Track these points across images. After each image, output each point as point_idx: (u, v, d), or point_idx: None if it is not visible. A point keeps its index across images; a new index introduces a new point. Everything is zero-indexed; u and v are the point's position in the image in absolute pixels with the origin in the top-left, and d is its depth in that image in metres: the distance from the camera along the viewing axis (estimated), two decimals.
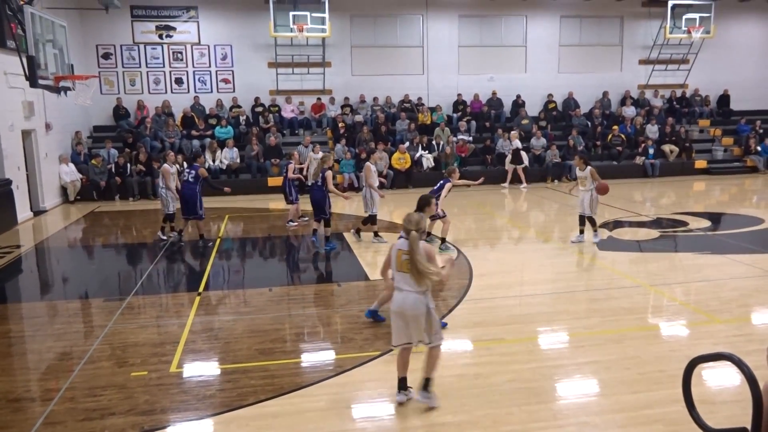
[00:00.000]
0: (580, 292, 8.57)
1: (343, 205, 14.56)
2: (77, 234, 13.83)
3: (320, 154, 17.26)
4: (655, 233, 12.27)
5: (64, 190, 17.40)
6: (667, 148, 21.53)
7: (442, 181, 10.92)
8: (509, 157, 19.64)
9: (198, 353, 6.55)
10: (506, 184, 19.42)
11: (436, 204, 10.70)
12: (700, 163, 21.51)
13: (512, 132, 20.35)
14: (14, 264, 10.92)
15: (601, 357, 6.24)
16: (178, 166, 13.04)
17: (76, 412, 5.28)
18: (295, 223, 13.47)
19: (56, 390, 5.71)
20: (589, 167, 10.96)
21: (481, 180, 12.71)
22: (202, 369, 6.19)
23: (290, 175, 13.34)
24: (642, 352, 6.33)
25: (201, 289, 8.96)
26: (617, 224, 13.11)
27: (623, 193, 17.40)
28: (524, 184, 19.30)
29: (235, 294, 9.02)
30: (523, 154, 19.80)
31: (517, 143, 19.89)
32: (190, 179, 11.63)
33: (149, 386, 5.73)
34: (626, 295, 8.29)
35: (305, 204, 12.84)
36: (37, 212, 15.64)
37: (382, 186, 12.76)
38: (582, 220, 11.24)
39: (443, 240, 10.90)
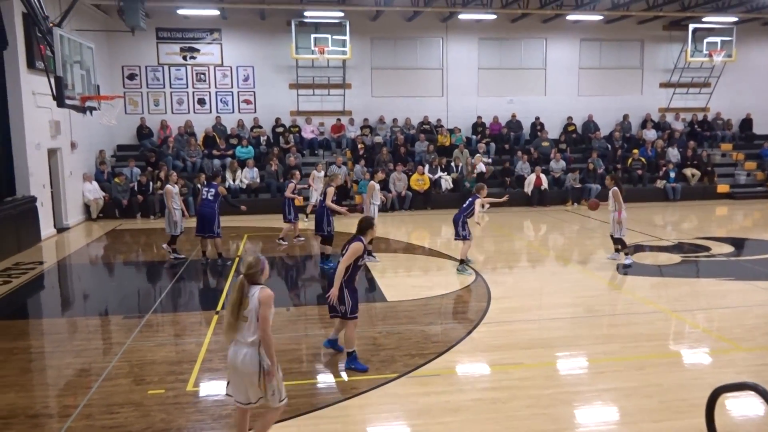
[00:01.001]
0: (599, 317, 8.46)
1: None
2: (99, 251, 14.00)
3: (323, 173, 17.54)
4: (676, 258, 12.10)
5: (87, 207, 17.66)
6: (688, 171, 21.32)
7: (471, 198, 11.00)
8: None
9: (215, 372, 6.55)
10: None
11: (465, 222, 10.91)
12: (723, 188, 21.24)
13: (477, 155, 20.12)
14: (36, 280, 11.06)
15: (622, 384, 6.13)
16: (180, 186, 13.27)
17: (94, 430, 5.31)
18: (286, 243, 13.55)
19: (74, 407, 5.75)
20: (614, 188, 11.21)
21: (505, 198, 12.84)
22: (219, 388, 6.18)
23: (287, 194, 13.39)
24: (664, 379, 6.21)
25: (219, 308, 8.99)
26: (638, 248, 12.95)
27: (644, 217, 17.23)
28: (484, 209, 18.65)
29: None
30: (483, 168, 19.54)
31: (481, 167, 19.63)
32: (210, 197, 11.71)
33: (166, 404, 5.74)
34: (647, 320, 8.16)
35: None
36: (61, 229, 15.87)
37: (383, 206, 13.02)
38: (614, 239, 11.50)
39: (461, 261, 10.90)
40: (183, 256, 12.35)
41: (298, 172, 14.59)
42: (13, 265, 11.86)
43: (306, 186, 16.30)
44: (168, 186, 12.17)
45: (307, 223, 16.25)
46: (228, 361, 4.63)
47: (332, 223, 11.35)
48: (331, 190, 11.27)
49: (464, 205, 11.06)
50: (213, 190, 11.70)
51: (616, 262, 11.36)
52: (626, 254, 11.34)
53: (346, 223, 14.71)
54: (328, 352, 7.03)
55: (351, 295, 6.50)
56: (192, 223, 12.53)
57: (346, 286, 6.47)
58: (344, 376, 6.45)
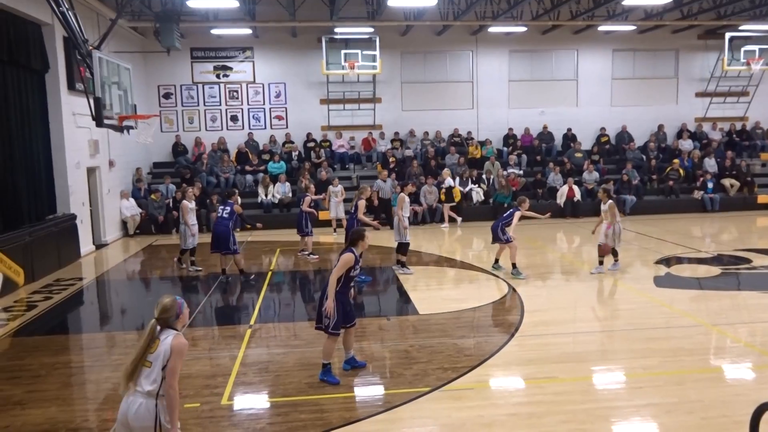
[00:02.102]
0: (636, 331, 8.28)
1: (380, 237, 14.59)
2: (136, 267, 14.28)
3: (339, 187, 17.55)
4: (716, 270, 11.80)
5: (124, 224, 18.05)
6: (727, 182, 20.83)
7: (511, 210, 11.36)
8: (441, 197, 18.90)
9: (249, 386, 6.61)
10: (445, 224, 18.61)
11: (504, 231, 11.10)
12: (763, 198, 20.66)
13: (444, 170, 19.76)
14: (76, 296, 11.33)
15: (661, 399, 5.98)
16: (214, 201, 13.53)
17: None
18: (316, 256, 13.72)
19: (113, 420, 5.82)
20: (610, 201, 11.36)
21: (548, 214, 12.89)
22: (253, 402, 6.24)
23: (304, 207, 13.57)
24: (705, 395, 6.04)
25: (252, 322, 9.08)
26: (676, 260, 12.68)
27: (681, 228, 16.87)
28: (445, 224, 18.52)
29: (285, 327, 9.10)
30: (458, 191, 19.23)
31: (450, 181, 19.27)
32: (224, 215, 11.78)
33: (201, 418, 5.80)
34: (686, 334, 7.97)
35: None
36: (99, 245, 16.24)
37: (414, 219, 13.11)
38: (614, 251, 11.60)
39: (514, 265, 11.25)
40: (200, 268, 12.70)
41: (313, 186, 14.78)
42: (54, 281, 12.17)
43: (321, 198, 16.43)
44: (184, 201, 12.50)
45: (336, 237, 16.40)
46: (119, 415, 4.03)
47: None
48: (362, 203, 11.33)
49: (504, 215, 11.44)
50: (228, 209, 11.77)
51: (609, 268, 11.61)
52: (601, 263, 11.58)
53: (378, 236, 14.77)
54: (353, 371, 7.00)
55: (337, 307, 6.44)
56: (206, 239, 12.76)
57: (336, 298, 6.45)
58: (376, 390, 6.44)
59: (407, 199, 12.00)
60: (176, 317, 4.13)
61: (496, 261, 11.82)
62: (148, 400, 3.94)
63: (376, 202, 18.42)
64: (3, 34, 12.03)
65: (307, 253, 13.79)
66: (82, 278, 12.67)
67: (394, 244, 12.24)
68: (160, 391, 3.97)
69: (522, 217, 11.45)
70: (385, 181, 18.86)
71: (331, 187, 17.68)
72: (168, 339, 4.02)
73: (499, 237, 11.33)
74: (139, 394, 3.97)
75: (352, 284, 6.74)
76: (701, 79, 23.33)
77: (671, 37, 22.67)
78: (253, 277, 12.01)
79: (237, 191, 13.69)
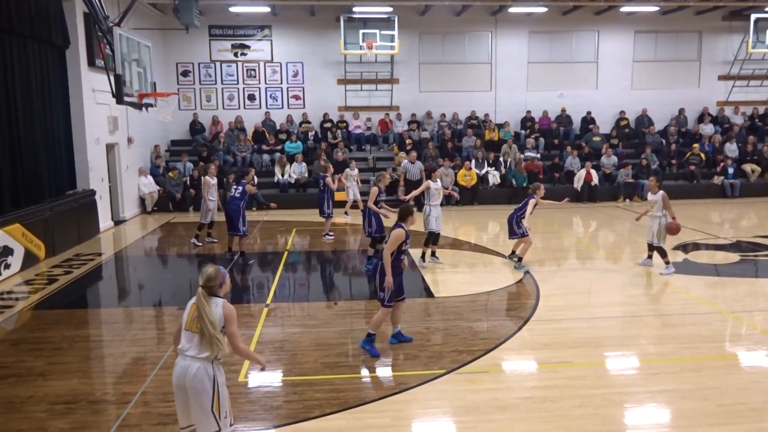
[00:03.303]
0: (652, 317, 8.26)
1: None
2: (153, 243, 14.43)
3: (356, 171, 17.48)
4: (734, 257, 11.69)
5: (142, 201, 18.21)
6: (748, 167, 20.53)
7: (526, 198, 10.86)
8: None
9: (266, 364, 6.68)
10: (424, 263, 12.52)
11: (519, 224, 10.59)
12: None
13: (400, 154, 19.31)
14: (95, 271, 11.49)
15: (677, 386, 5.98)
16: (230, 180, 13.67)
17: (151, 417, 5.49)
18: (333, 235, 13.78)
19: (132, 393, 5.96)
20: (661, 192, 10.27)
21: (566, 200, 12.59)
22: (269, 380, 6.32)
23: (332, 186, 13.53)
24: (721, 382, 6.03)
25: (269, 301, 9.16)
26: (694, 246, 12.57)
27: (700, 214, 16.69)
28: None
29: (301, 306, 9.18)
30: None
31: (407, 165, 18.56)
32: (236, 194, 11.66)
33: None
34: (703, 321, 7.93)
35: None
36: (118, 222, 16.42)
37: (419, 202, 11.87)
38: (651, 247, 10.61)
39: (519, 259, 10.81)
40: (215, 240, 13.18)
41: (330, 165, 14.47)
42: (74, 256, 12.34)
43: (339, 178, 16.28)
44: (206, 177, 12.66)
45: (348, 219, 16.46)
46: (174, 378, 4.25)
47: (375, 224, 10.66)
48: (374, 191, 10.56)
49: (519, 205, 10.94)
50: (240, 188, 11.65)
51: (662, 273, 10.26)
52: (667, 264, 10.36)
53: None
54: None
55: (390, 285, 6.73)
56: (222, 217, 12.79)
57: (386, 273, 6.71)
58: (391, 371, 6.49)
59: (434, 185, 11.02)
60: (219, 286, 4.35)
61: (513, 253, 11.11)
62: (206, 364, 4.16)
63: (402, 183, 18.35)
64: (25, 9, 12.08)
65: (324, 233, 13.79)
66: (101, 254, 12.83)
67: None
68: (219, 357, 4.21)
69: (537, 204, 10.78)
70: (413, 163, 18.69)
71: (348, 170, 17.69)
72: (218, 308, 4.24)
73: (514, 231, 10.77)
74: (195, 359, 4.16)
75: (402, 257, 6.88)
76: (724, 62, 22.90)
77: (695, 19, 22.23)
78: (252, 261, 11.89)
79: (254, 170, 13.64)
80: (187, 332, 4.24)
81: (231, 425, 4.34)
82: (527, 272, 10.45)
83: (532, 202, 10.66)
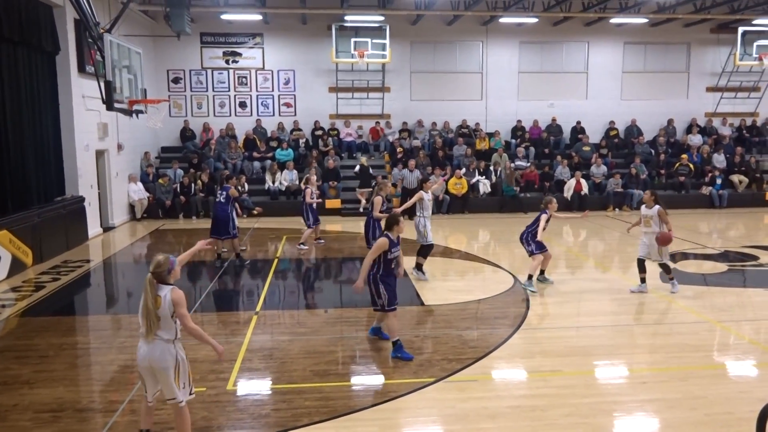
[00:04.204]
0: (641, 326, 8.30)
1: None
2: (142, 250, 14.35)
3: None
4: (722, 267, 11.77)
5: (131, 207, 18.12)
6: (735, 178, 20.73)
7: (538, 214, 10.04)
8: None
9: (254, 372, 6.66)
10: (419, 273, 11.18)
11: (529, 241, 9.89)
12: None
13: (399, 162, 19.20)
14: (83, 278, 11.40)
15: (665, 395, 6.00)
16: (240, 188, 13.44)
17: (138, 425, 5.43)
18: (306, 247, 13.42)
19: (119, 402, 5.91)
20: (657, 207, 9.60)
21: (585, 214, 11.64)
22: (258, 388, 6.29)
23: (308, 200, 13.25)
24: (709, 392, 6.06)
25: (258, 308, 9.12)
26: (683, 256, 12.65)
27: (688, 224, 16.81)
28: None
29: (290, 314, 9.15)
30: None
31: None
32: (222, 199, 11.96)
33: (207, 402, 5.85)
34: (691, 330, 7.97)
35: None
36: (107, 228, 16.32)
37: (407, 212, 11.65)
38: (642, 266, 9.77)
39: (530, 276, 9.89)
40: (243, 248, 12.98)
41: (314, 177, 14.45)
42: (62, 263, 12.25)
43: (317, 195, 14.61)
44: (232, 189, 12.25)
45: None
46: (138, 360, 4.78)
47: (379, 235, 10.44)
48: (378, 200, 10.42)
49: (530, 222, 10.14)
50: (225, 193, 11.96)
51: (673, 291, 9.71)
52: (671, 280, 9.83)
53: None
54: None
55: (386, 288, 6.88)
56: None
57: (381, 281, 6.88)
58: (380, 379, 6.48)
59: (427, 196, 10.71)
60: (168, 272, 4.77)
61: (542, 272, 10.38)
62: (168, 345, 4.68)
63: (393, 192, 18.26)
64: (15, 14, 12.05)
65: (306, 247, 13.41)
66: (89, 260, 12.74)
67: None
68: (177, 337, 4.72)
69: (550, 219, 9.94)
70: (412, 171, 18.71)
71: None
72: (167, 294, 4.67)
73: (524, 246, 10.06)
74: (158, 340, 4.66)
75: (393, 266, 6.96)
76: (712, 73, 23.16)
77: (683, 31, 22.49)
78: (248, 262, 12.12)
79: (239, 175, 13.55)
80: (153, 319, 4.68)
81: (191, 394, 4.90)
82: (534, 292, 9.73)
83: (544, 217, 9.87)
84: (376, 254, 6.81)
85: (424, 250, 10.79)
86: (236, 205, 12.27)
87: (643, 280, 9.80)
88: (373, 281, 6.91)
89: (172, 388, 4.73)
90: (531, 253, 9.97)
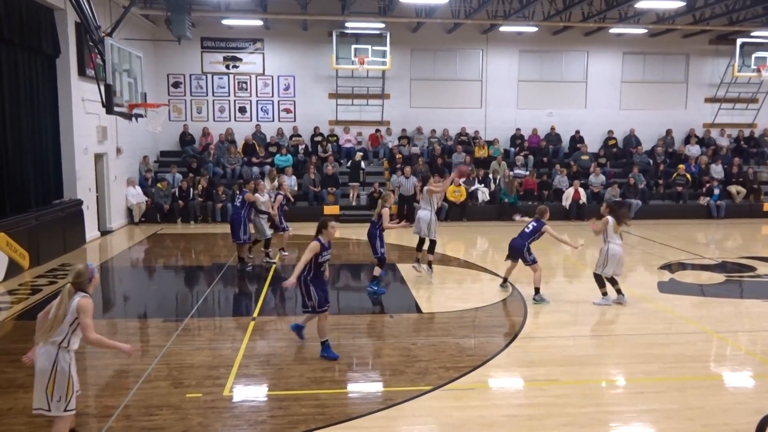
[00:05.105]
0: (639, 336, 8.28)
1: (398, 236, 14.64)
2: (140, 255, 14.32)
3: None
4: (720, 277, 11.78)
5: (129, 211, 18.09)
6: (733, 189, 20.77)
7: (536, 224, 9.84)
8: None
9: (251, 378, 6.64)
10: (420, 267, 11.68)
11: (530, 250, 9.81)
12: None
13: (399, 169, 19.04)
14: None
15: (662, 405, 5.99)
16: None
17: (133, 431, 5.42)
18: (287, 253, 13.15)
19: (114, 407, 5.88)
20: (605, 218, 9.62)
21: (581, 244, 11.33)
22: (255, 394, 6.27)
23: (275, 208, 12.44)
24: (706, 402, 6.05)
25: (255, 314, 9.10)
26: (680, 266, 12.65)
27: (686, 234, 16.83)
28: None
29: (288, 320, 9.11)
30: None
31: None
32: (237, 203, 12.05)
33: (203, 408, 5.83)
34: (688, 341, 7.96)
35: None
36: (104, 232, 16.28)
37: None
38: (600, 280, 9.67)
39: (537, 290, 9.72)
40: (273, 260, 12.68)
41: (286, 183, 14.29)
42: (59, 266, 12.21)
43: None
44: (256, 194, 12.05)
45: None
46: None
47: (384, 244, 10.40)
48: (386, 212, 10.22)
49: (527, 231, 9.88)
50: (241, 197, 11.97)
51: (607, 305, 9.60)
52: (604, 294, 9.66)
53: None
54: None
55: (316, 291, 7.11)
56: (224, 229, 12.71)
57: (312, 283, 7.10)
58: (378, 386, 6.46)
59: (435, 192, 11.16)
60: (89, 281, 4.81)
61: (505, 280, 10.48)
62: (51, 348, 4.57)
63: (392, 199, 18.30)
64: (15, 17, 12.06)
65: (286, 253, 13.18)
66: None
67: (414, 243, 11.64)
68: (63, 343, 4.60)
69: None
70: (408, 178, 18.78)
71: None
72: (75, 300, 4.65)
73: (525, 257, 9.86)
74: (46, 343, 4.58)
75: (323, 269, 7.23)
76: (711, 84, 23.24)
77: (682, 42, 22.59)
78: (249, 268, 12.07)
79: (260, 180, 13.24)
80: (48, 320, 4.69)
81: (66, 410, 4.62)
82: (548, 301, 9.68)
83: (548, 228, 9.75)
84: (309, 257, 7.01)
85: (432, 246, 11.22)
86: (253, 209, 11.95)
87: (605, 294, 9.66)
88: (303, 284, 7.10)
89: (42, 395, 4.54)
90: (532, 263, 9.83)
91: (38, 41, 12.91)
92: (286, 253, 13.19)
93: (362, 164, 20.43)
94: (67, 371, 4.59)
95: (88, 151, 15.21)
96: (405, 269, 11.87)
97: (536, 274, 9.82)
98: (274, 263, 12.52)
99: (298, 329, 7.77)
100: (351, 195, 19.69)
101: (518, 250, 9.94)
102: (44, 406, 4.57)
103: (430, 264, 11.34)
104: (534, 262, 9.87)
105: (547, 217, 9.99)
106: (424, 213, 11.21)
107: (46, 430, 5.41)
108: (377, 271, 10.36)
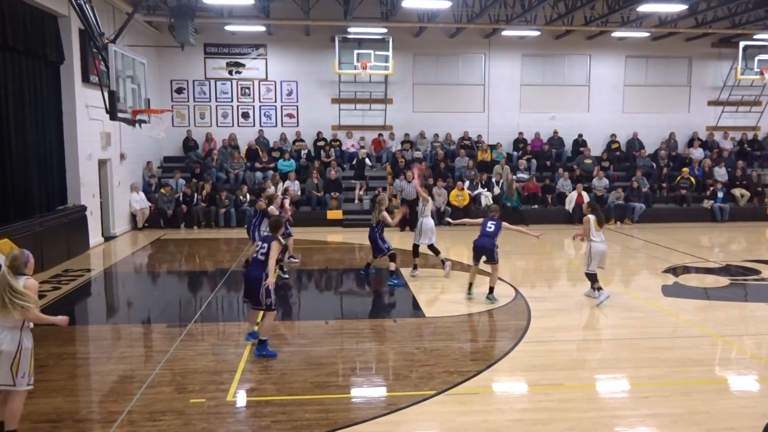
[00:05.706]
0: (643, 339, 8.25)
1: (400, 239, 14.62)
2: (143, 260, 14.34)
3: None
4: (724, 281, 11.74)
5: (133, 217, 18.12)
6: (737, 192, 20.72)
7: (496, 221, 10.02)
8: None
9: (254, 383, 6.63)
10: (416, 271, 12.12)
11: (493, 251, 9.85)
12: None
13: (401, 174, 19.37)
14: (84, 287, 11.39)
15: (667, 410, 5.96)
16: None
17: None
18: (297, 260, 12.97)
19: (118, 413, 5.88)
20: (585, 216, 9.92)
21: (539, 235, 10.79)
22: (258, 399, 6.26)
23: (288, 211, 12.39)
24: (711, 406, 6.02)
25: (259, 319, 9.09)
26: (685, 270, 12.62)
27: (690, 237, 16.79)
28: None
29: (291, 325, 9.12)
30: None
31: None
32: (252, 212, 12.10)
33: (207, 414, 5.83)
34: (693, 344, 7.94)
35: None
36: (108, 238, 16.31)
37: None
38: (593, 277, 9.95)
39: (491, 289, 9.95)
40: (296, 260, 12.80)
41: (291, 189, 14.47)
42: (63, 272, 12.24)
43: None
44: (271, 207, 11.76)
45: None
46: None
47: (387, 240, 11.33)
48: (386, 215, 11.12)
49: (490, 230, 9.95)
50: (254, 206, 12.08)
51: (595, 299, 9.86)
52: (598, 288, 9.88)
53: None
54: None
55: (275, 290, 7.51)
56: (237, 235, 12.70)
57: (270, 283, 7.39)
58: (382, 391, 6.45)
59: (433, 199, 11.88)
60: (25, 265, 5.17)
61: (470, 285, 10.27)
62: (14, 332, 4.99)
63: (395, 202, 18.44)
64: (20, 24, 12.12)
65: (296, 260, 13.04)
66: (90, 269, 12.73)
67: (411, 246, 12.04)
68: (25, 324, 5.04)
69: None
70: (410, 182, 18.78)
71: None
72: (21, 281, 5.04)
73: (494, 257, 9.90)
74: (4, 328, 4.97)
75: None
76: (714, 87, 23.22)
77: (685, 45, 22.58)
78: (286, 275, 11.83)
79: (270, 186, 13.58)
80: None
81: (29, 384, 5.12)
82: (499, 301, 9.85)
83: (506, 225, 10.09)
84: (277, 254, 7.36)
85: (433, 247, 11.81)
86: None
87: (598, 289, 9.93)
88: (266, 278, 7.31)
89: (8, 372, 4.95)
90: (496, 262, 9.96)
91: (42, 48, 12.97)
92: (296, 260, 13.14)
93: (367, 161, 20.56)
94: (30, 349, 5.08)
95: (91, 157, 15.26)
96: (406, 272, 11.85)
97: (495, 273, 10.06)
98: (293, 265, 12.50)
99: (254, 336, 7.72)
100: (356, 192, 19.76)
101: (490, 250, 9.93)
102: (9, 381, 4.99)
103: (443, 261, 11.88)
104: (497, 261, 10.02)
105: (498, 216, 10.18)
106: (430, 221, 11.72)
107: (46, 430, 5.43)
108: (392, 266, 11.11)
